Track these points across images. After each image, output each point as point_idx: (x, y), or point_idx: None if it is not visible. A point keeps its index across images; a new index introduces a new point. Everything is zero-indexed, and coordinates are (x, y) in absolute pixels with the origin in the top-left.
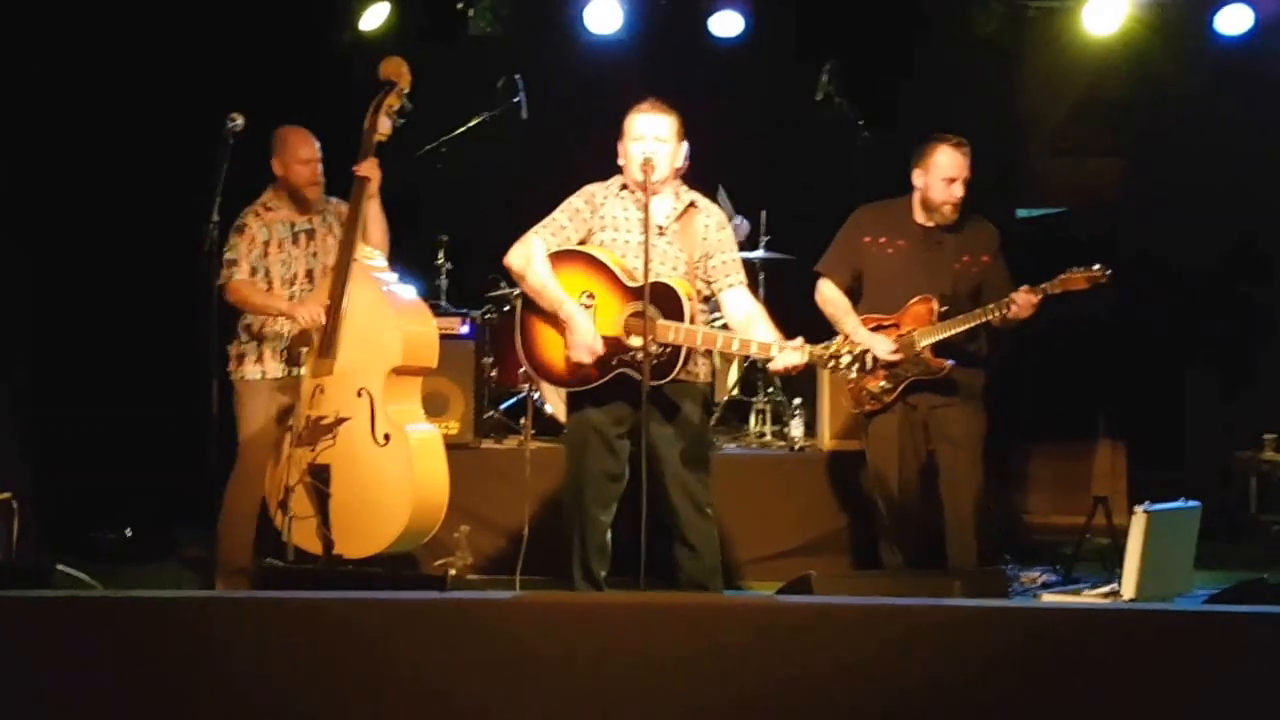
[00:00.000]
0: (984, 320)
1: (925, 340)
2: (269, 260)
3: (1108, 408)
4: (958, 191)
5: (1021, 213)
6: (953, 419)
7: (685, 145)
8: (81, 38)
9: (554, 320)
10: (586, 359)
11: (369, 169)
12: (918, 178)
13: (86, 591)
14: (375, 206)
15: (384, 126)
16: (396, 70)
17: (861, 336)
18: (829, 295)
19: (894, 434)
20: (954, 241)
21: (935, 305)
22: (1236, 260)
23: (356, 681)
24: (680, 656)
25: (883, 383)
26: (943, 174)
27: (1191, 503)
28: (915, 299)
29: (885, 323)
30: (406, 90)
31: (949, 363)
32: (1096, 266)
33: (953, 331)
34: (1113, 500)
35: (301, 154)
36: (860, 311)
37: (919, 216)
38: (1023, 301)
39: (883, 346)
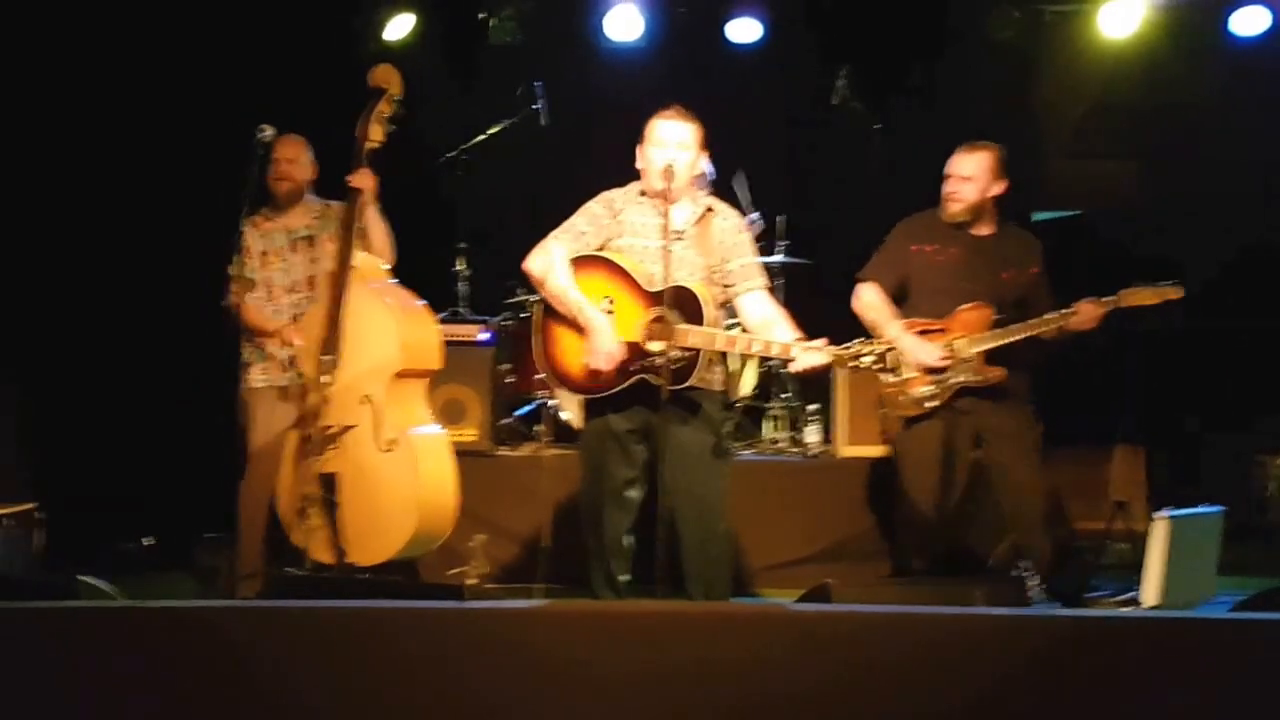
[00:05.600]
0: (1039, 331)
1: (976, 347)
2: (269, 270)
3: (1125, 412)
4: (955, 186)
5: (1037, 216)
6: (1007, 425)
7: (705, 157)
8: (115, 50)
9: (574, 326)
10: (606, 366)
11: (362, 179)
12: None
13: (109, 602)
14: (374, 213)
15: (376, 134)
16: (387, 77)
17: (906, 343)
18: (870, 300)
19: (936, 441)
20: (1001, 251)
21: (990, 313)
22: (1253, 261)
23: (376, 690)
24: (700, 665)
25: (927, 388)
26: (947, 170)
27: (1214, 508)
28: (968, 305)
29: (932, 328)
30: (398, 97)
31: (1002, 370)
32: (1169, 283)
33: (1007, 340)
34: (1132, 505)
35: (282, 153)
36: (904, 317)
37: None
38: (1086, 314)
39: (929, 354)
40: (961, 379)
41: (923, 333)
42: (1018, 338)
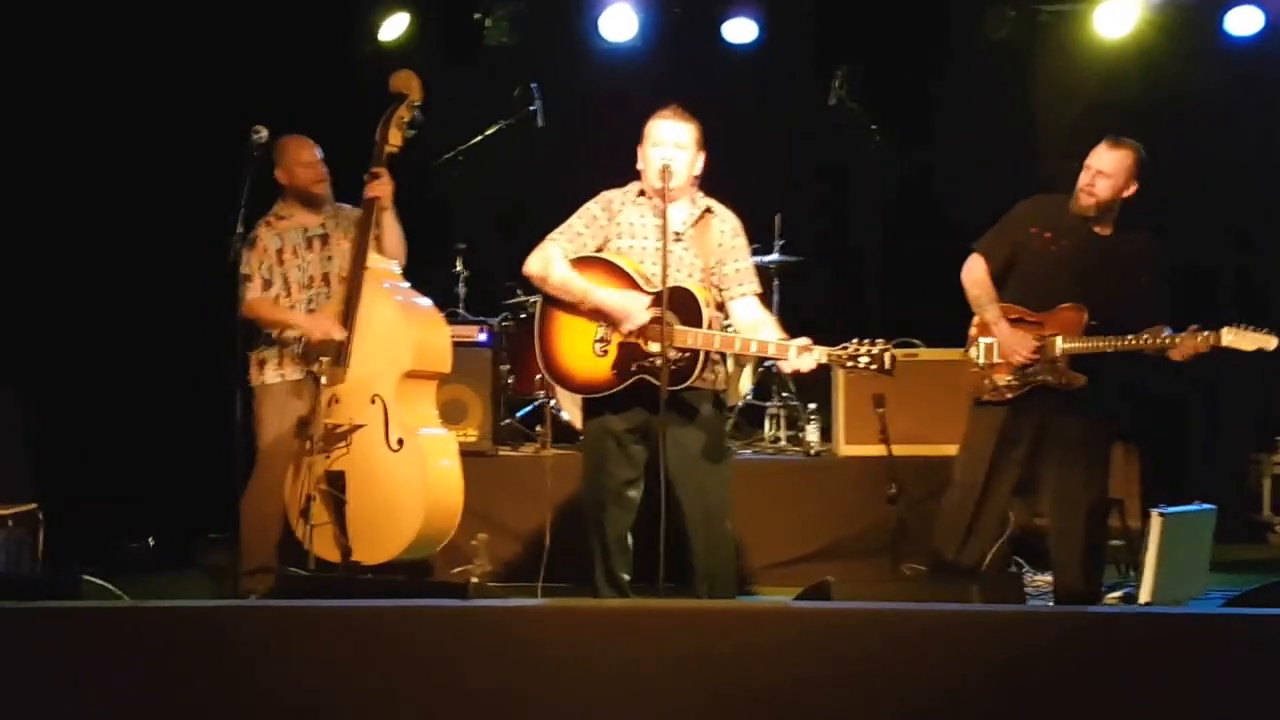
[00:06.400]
0: (1133, 347)
1: (1066, 347)
2: (285, 267)
3: (1120, 410)
4: (1092, 180)
5: None
6: (1070, 428)
7: (703, 155)
8: (111, 51)
9: (575, 325)
10: (643, 319)
11: (379, 188)
12: None
13: (113, 602)
14: (389, 218)
15: (395, 138)
16: (407, 83)
17: (1001, 331)
18: (978, 276)
19: (997, 428)
20: (1116, 255)
21: (1085, 317)
22: (1248, 261)
23: (379, 689)
24: (700, 662)
25: (1009, 378)
26: (1087, 161)
27: (1206, 506)
28: (1067, 305)
29: (1029, 319)
30: (418, 102)
31: (1084, 377)
32: (1267, 330)
33: (1097, 349)
34: (1126, 504)
35: (303, 157)
36: (1003, 299)
37: (1081, 214)
38: (1184, 351)
39: (1023, 347)
40: (1044, 377)
41: (1019, 320)
42: (1109, 348)
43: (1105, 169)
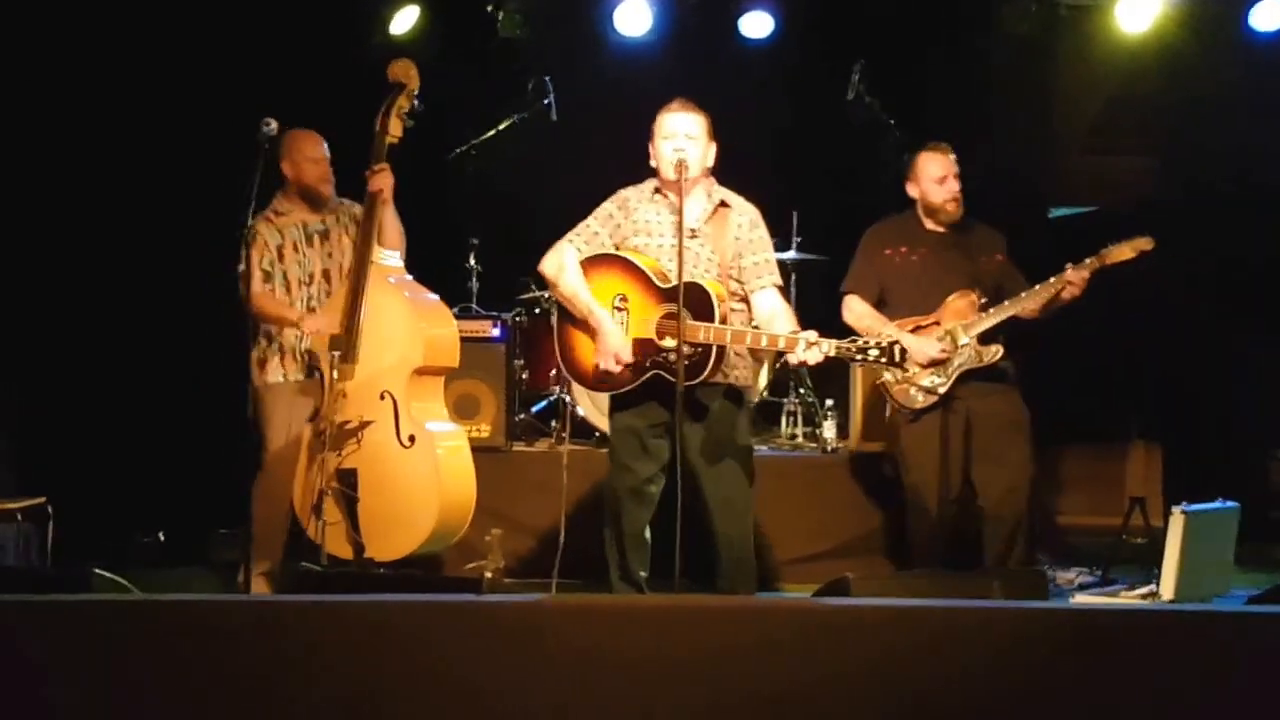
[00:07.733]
0: (1029, 305)
1: (972, 331)
2: (285, 263)
3: (1142, 407)
4: (952, 187)
5: (1055, 212)
6: (999, 408)
7: (714, 146)
8: (117, 44)
9: (588, 325)
10: (614, 367)
11: (381, 181)
12: (911, 190)
13: (124, 596)
14: (390, 212)
15: (395, 129)
16: (405, 72)
17: (907, 342)
18: (860, 311)
19: (935, 434)
20: (968, 243)
21: (975, 297)
22: (1270, 257)
23: (393, 684)
24: (716, 659)
25: (934, 377)
26: (931, 176)
27: (1230, 503)
28: (954, 295)
29: (924, 323)
30: (416, 91)
31: (999, 347)
32: (1141, 237)
33: (1000, 318)
34: (1149, 501)
35: (311, 153)
36: (890, 319)
37: (928, 224)
38: (1075, 278)
39: (932, 347)
40: (963, 362)
41: (916, 328)
42: (1010, 313)
43: (953, 170)
